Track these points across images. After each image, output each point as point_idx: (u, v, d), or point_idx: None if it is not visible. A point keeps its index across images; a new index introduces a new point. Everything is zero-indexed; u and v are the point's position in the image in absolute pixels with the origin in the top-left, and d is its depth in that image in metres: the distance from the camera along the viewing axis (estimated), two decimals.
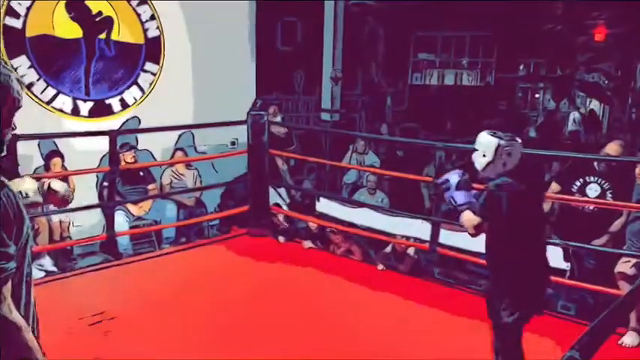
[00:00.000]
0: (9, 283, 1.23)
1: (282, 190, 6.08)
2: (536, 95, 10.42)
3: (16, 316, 1.24)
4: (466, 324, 3.53)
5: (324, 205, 5.40)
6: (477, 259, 4.12)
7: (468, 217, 2.64)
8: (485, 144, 2.66)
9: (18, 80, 1.32)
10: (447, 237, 4.42)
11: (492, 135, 2.67)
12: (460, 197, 2.70)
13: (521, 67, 10.39)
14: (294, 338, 3.32)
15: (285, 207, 5.91)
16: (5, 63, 1.29)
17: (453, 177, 2.76)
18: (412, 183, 6.05)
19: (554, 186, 4.34)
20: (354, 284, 4.27)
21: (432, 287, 4.40)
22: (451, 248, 4.40)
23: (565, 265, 4.08)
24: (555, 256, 4.07)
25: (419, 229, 4.62)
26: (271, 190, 5.71)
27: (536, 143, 7.55)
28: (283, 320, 3.55)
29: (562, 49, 9.50)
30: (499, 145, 2.62)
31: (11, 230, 1.22)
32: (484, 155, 2.66)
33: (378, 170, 6.26)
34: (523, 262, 2.61)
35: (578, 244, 3.94)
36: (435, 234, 4.45)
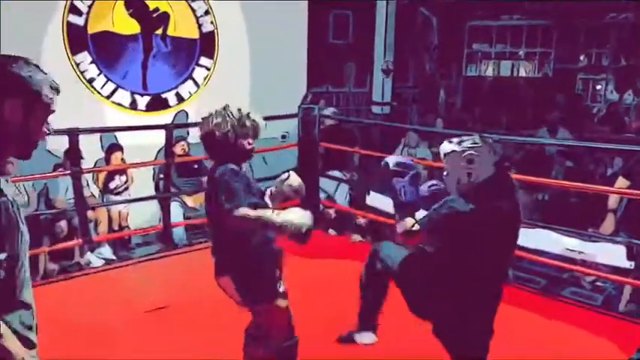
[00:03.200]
0: None
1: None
2: (598, 87, 9.98)
3: None
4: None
5: (374, 199, 5.36)
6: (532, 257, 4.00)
7: (407, 221, 2.22)
8: (442, 154, 2.27)
9: (51, 86, 1.31)
10: None
11: (448, 141, 2.26)
12: (410, 193, 2.27)
13: (582, 58, 9.97)
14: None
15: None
16: (36, 66, 1.29)
17: (408, 164, 2.34)
18: None
19: (622, 181, 4.14)
20: None
21: None
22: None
23: (629, 264, 3.90)
24: (618, 254, 3.90)
25: None
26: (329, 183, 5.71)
27: (598, 136, 7.23)
28: (335, 315, 3.54)
29: (627, 38, 9.05)
30: (452, 152, 2.20)
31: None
32: (445, 167, 2.27)
33: (429, 163, 6.15)
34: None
35: None
36: None
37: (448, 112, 9.47)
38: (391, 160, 2.34)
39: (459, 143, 2.18)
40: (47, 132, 1.32)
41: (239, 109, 2.31)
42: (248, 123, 2.28)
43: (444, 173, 2.24)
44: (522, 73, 10.04)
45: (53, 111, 1.32)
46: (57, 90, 1.32)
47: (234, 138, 2.26)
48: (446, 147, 2.23)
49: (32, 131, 1.29)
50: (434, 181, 2.41)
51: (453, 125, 8.18)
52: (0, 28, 4.84)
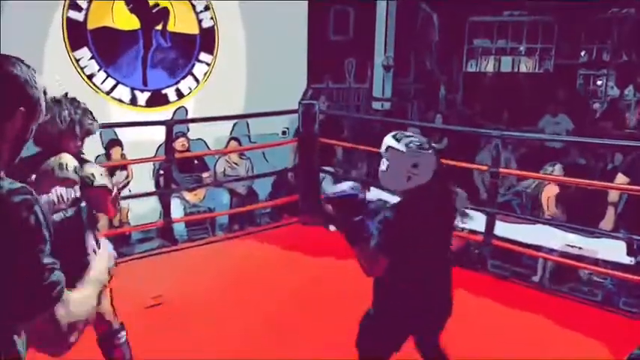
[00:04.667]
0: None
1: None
2: (598, 82, 9.95)
3: None
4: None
5: (374, 195, 5.36)
6: (531, 252, 4.00)
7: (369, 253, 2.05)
8: (384, 147, 2.10)
9: (44, 92, 1.28)
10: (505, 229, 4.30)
11: (395, 137, 2.08)
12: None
13: (583, 53, 9.94)
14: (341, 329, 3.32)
15: None
16: (34, 70, 1.24)
17: (349, 188, 2.10)
18: (465, 173, 5.91)
19: (621, 178, 4.14)
20: None
21: (485, 279, 4.30)
22: (507, 240, 4.28)
23: (628, 260, 3.90)
24: (618, 251, 3.90)
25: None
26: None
27: (599, 132, 7.23)
28: (333, 311, 3.55)
29: (628, 34, 9.02)
30: (397, 151, 2.04)
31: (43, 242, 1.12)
32: (385, 161, 2.11)
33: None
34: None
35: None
36: (490, 226, 4.34)
37: (448, 107, 9.46)
38: (333, 190, 2.13)
39: (407, 144, 2.04)
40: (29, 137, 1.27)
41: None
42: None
43: (382, 167, 2.11)
44: (523, 69, 10.01)
45: (44, 116, 1.29)
46: (46, 92, 1.30)
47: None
48: (391, 142, 2.07)
49: (27, 138, 1.25)
50: (345, 186, 2.11)
51: (453, 121, 8.18)
52: (0, 27, 4.82)
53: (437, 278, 2.18)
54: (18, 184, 1.12)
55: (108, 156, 5.45)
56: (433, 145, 2.12)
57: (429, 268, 2.11)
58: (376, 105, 8.24)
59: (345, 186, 2.08)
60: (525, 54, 9.98)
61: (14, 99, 1.19)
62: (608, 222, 4.30)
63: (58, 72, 5.43)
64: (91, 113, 2.27)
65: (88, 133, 2.25)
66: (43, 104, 1.27)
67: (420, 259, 2.07)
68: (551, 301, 3.76)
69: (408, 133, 2.12)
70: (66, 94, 2.26)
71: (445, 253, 2.21)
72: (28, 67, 1.23)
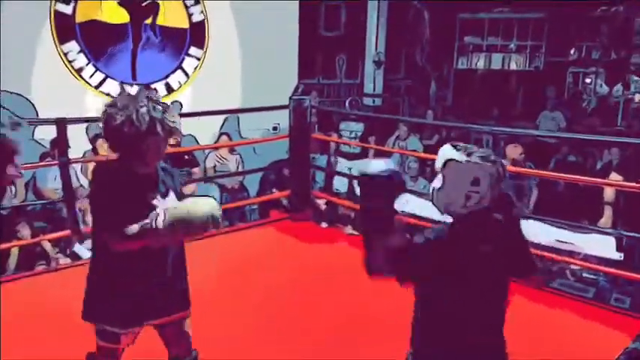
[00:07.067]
0: None
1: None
2: (587, 80, 10.01)
3: None
4: None
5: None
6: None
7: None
8: (438, 157, 1.73)
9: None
10: None
11: (454, 147, 1.71)
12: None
13: (572, 51, 9.99)
14: (332, 326, 3.30)
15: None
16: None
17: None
18: None
19: (615, 176, 4.16)
20: None
21: None
22: None
23: (618, 256, 3.92)
24: (608, 246, 3.92)
25: None
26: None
27: (589, 129, 7.28)
28: (324, 308, 3.54)
29: (618, 32, 9.08)
30: (455, 162, 1.68)
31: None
32: (440, 177, 1.72)
33: (422, 155, 6.14)
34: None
35: (633, 234, 3.77)
36: None
37: (439, 103, 9.47)
38: (367, 169, 1.67)
39: (468, 154, 1.67)
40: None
41: None
42: None
43: (436, 185, 1.73)
44: (513, 66, 10.05)
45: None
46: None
47: None
48: (448, 153, 1.70)
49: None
50: (383, 164, 1.67)
51: (444, 117, 8.20)
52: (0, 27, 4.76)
53: (482, 330, 1.78)
54: None
55: (94, 149, 5.39)
56: (500, 160, 1.72)
57: (474, 316, 1.74)
58: (367, 101, 8.23)
59: (383, 164, 1.64)
60: (516, 51, 10.02)
61: None
62: (606, 220, 4.32)
63: (48, 65, 5.37)
64: (175, 108, 1.95)
65: (172, 132, 1.90)
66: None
67: (463, 302, 1.71)
68: (543, 296, 3.77)
69: (468, 145, 1.73)
70: (141, 88, 1.96)
71: (498, 302, 1.80)
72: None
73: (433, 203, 1.75)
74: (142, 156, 1.86)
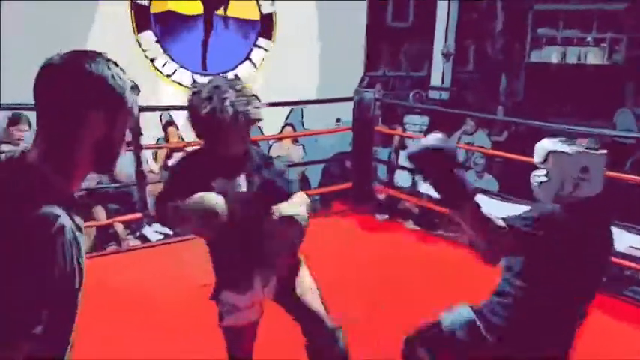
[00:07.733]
0: None
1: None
2: None
3: None
4: None
5: (429, 187, 5.26)
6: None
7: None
8: (538, 152, 1.82)
9: (132, 87, 1.10)
10: None
11: (559, 141, 1.80)
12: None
13: None
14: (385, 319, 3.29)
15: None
16: (116, 64, 1.08)
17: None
18: (524, 167, 5.71)
19: None
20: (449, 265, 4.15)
21: None
22: None
23: None
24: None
25: None
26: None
27: None
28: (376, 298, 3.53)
29: None
30: (562, 154, 1.75)
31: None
32: (542, 172, 1.82)
33: (487, 151, 5.98)
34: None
35: None
36: None
37: (509, 98, 9.16)
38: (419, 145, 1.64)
39: (570, 145, 1.77)
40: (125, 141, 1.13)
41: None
42: None
43: (539, 179, 1.80)
44: (590, 60, 9.55)
45: (135, 116, 1.13)
46: (137, 90, 1.12)
47: None
48: (552, 146, 1.77)
49: (115, 143, 1.10)
50: (433, 138, 1.63)
51: (514, 113, 7.93)
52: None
53: (562, 326, 1.82)
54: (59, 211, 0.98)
55: (165, 136, 5.60)
56: (602, 150, 1.81)
57: (560, 310, 1.78)
58: (433, 94, 8.07)
59: (433, 139, 1.62)
60: (593, 44, 9.53)
61: (89, 101, 1.04)
62: None
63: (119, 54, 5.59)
64: (257, 98, 1.92)
65: (255, 122, 1.92)
66: (132, 104, 1.10)
67: (554, 293, 1.74)
68: (614, 303, 3.61)
69: (571, 140, 1.83)
70: (224, 77, 1.99)
71: (587, 298, 1.84)
72: (108, 61, 1.07)
73: (539, 198, 1.83)
74: (226, 144, 1.89)
